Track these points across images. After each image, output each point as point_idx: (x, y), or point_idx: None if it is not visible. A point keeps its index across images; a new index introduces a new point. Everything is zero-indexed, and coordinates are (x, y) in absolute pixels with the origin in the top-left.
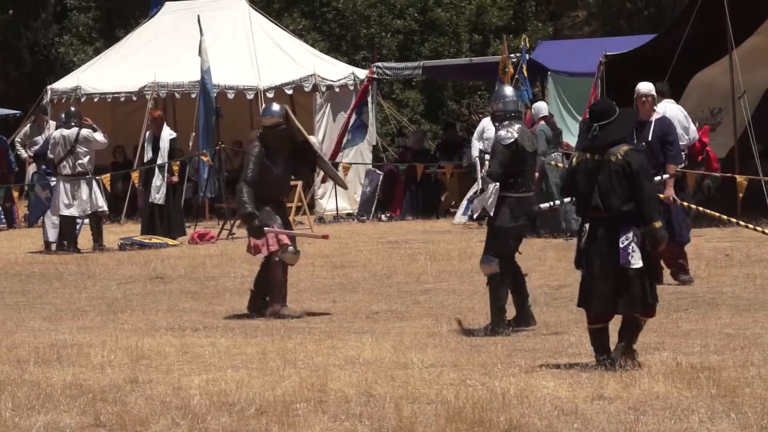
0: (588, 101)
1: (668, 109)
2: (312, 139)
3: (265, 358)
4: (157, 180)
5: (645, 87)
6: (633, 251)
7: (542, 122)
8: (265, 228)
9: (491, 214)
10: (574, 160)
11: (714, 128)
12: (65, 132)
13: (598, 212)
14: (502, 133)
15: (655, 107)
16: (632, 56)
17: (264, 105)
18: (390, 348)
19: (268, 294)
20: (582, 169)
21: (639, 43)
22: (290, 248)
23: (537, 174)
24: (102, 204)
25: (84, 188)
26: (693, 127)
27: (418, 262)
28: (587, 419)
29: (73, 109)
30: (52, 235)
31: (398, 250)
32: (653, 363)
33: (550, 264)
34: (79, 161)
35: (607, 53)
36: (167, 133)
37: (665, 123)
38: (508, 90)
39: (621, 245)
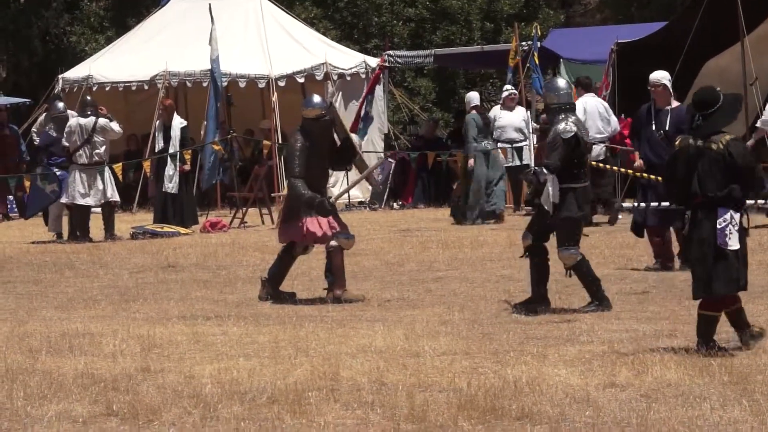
0: (600, 89)
1: (588, 102)
2: (354, 137)
3: (276, 347)
4: (170, 169)
5: (653, 75)
6: (731, 233)
7: (473, 111)
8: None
9: (548, 209)
10: (677, 144)
11: None
12: (82, 121)
13: (696, 198)
14: (561, 126)
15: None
16: (644, 44)
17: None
18: (402, 336)
19: (275, 281)
20: (682, 156)
21: (650, 31)
22: (344, 233)
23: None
24: (113, 193)
25: (99, 178)
26: (614, 119)
27: (429, 250)
28: (599, 407)
29: (89, 98)
30: (53, 226)
31: (410, 238)
32: (665, 350)
33: None
34: (96, 150)
35: (619, 41)
36: (178, 122)
37: (682, 112)
38: (562, 82)
39: (719, 226)
